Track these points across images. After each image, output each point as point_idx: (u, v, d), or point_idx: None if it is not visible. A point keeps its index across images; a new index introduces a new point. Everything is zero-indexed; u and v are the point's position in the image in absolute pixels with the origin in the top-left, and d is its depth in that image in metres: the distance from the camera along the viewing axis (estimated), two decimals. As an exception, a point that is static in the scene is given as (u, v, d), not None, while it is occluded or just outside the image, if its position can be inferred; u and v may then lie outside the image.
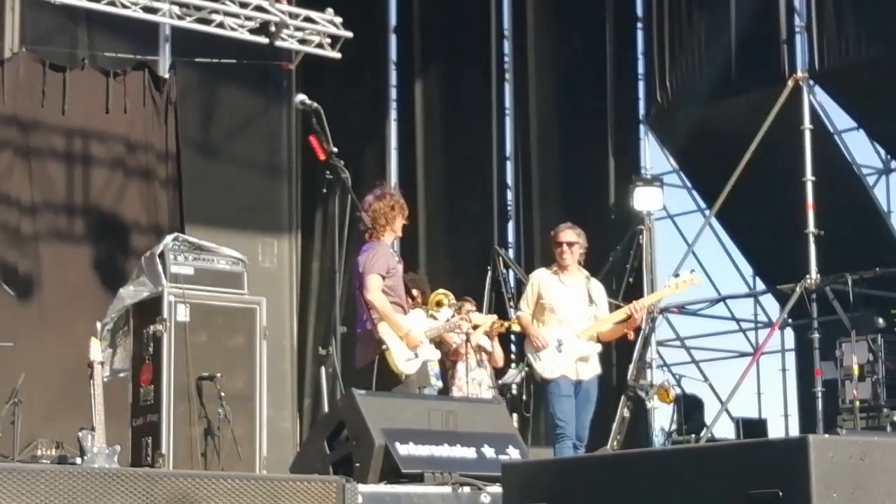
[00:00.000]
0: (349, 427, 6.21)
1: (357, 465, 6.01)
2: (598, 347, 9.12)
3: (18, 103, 12.41)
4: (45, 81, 12.50)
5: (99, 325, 8.91)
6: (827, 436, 4.10)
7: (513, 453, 6.47)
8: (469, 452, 6.31)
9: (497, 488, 5.56)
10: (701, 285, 9.86)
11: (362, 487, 5.25)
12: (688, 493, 3.91)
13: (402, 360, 7.97)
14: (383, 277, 7.98)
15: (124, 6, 11.52)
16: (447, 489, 5.82)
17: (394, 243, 8.38)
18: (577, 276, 9.10)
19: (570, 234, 9.08)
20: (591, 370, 9.03)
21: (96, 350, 8.53)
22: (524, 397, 10.13)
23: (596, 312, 9.10)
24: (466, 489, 5.84)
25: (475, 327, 10.91)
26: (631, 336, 9.79)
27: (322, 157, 7.25)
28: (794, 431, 14.92)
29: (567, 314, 9.00)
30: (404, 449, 6.05)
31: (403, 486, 5.85)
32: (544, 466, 4.92)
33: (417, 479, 5.94)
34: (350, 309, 14.22)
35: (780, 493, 3.62)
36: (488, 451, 6.38)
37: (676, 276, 9.53)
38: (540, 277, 9.14)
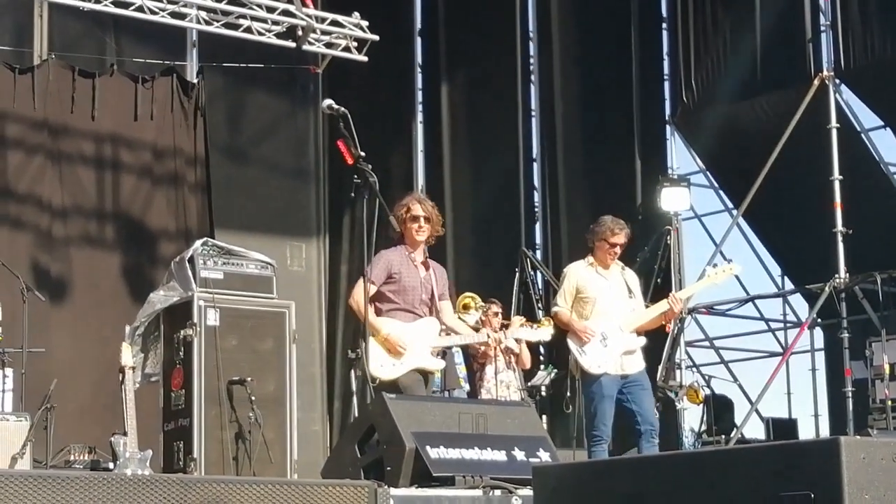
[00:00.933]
0: (380, 431, 6.24)
1: (388, 468, 6.03)
2: (643, 341, 8.92)
3: (49, 109, 12.54)
4: (74, 87, 12.61)
5: (129, 329, 8.97)
6: (858, 437, 4.10)
7: (543, 456, 6.48)
8: (499, 455, 6.32)
9: (528, 491, 5.57)
10: (740, 272, 9.59)
11: (394, 491, 5.28)
12: (719, 496, 3.92)
13: (375, 365, 7.48)
14: (377, 282, 7.74)
15: (152, 12, 11.58)
16: (478, 492, 5.83)
17: (423, 250, 8.00)
18: (613, 268, 8.92)
19: (624, 237, 8.88)
20: (638, 364, 8.83)
21: (127, 355, 8.59)
22: (567, 393, 9.86)
23: (635, 304, 8.96)
24: (497, 492, 5.85)
25: (503, 328, 10.94)
26: (669, 328, 9.56)
27: (350, 161, 7.27)
28: (825, 431, 14.89)
29: (608, 307, 8.79)
30: (435, 452, 6.07)
31: (434, 489, 5.87)
32: (574, 469, 4.94)
33: (448, 482, 5.96)
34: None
35: (812, 496, 3.62)
36: (519, 454, 6.39)
37: (714, 266, 9.37)
38: (577, 271, 8.90)
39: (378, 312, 7.81)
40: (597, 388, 8.62)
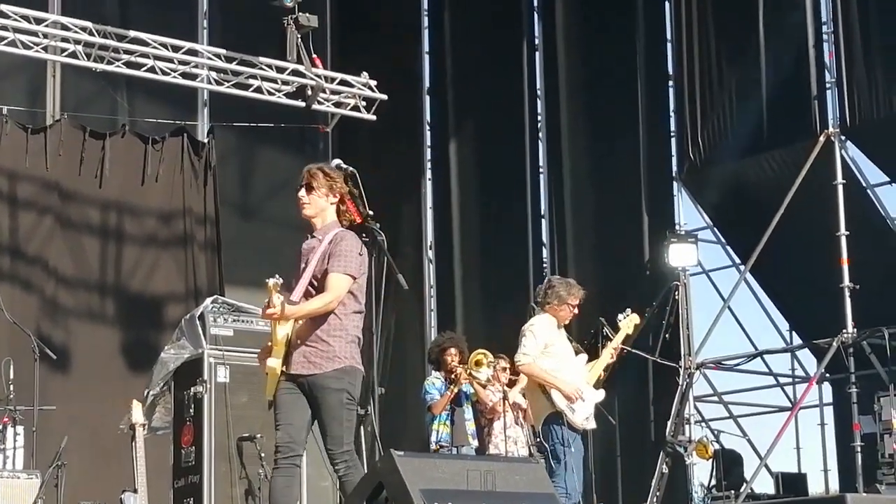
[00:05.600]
0: (388, 488, 6.26)
1: (397, 525, 6.05)
2: (603, 394, 9.34)
3: (60, 170, 12.66)
4: (84, 148, 12.74)
5: (146, 392, 9.05)
6: (865, 494, 4.13)
7: (550, 513, 6.50)
8: (507, 512, 6.34)
9: (535, 548, 5.60)
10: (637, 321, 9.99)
11: (402, 548, 5.30)
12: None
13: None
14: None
15: (163, 72, 11.75)
16: (486, 549, 5.86)
17: (331, 229, 6.91)
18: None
19: (581, 297, 9.27)
20: (593, 420, 9.23)
21: (138, 413, 8.66)
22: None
23: (582, 359, 9.33)
24: (505, 549, 5.87)
25: (511, 384, 10.97)
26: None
27: (358, 219, 7.33)
28: (834, 486, 14.83)
29: (572, 362, 9.15)
30: (443, 509, 6.09)
31: (442, 546, 5.89)
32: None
33: (456, 539, 5.98)
34: (388, 369, 14.28)
35: (816, 552, 3.65)
36: (526, 511, 6.40)
37: (626, 316, 9.81)
38: (547, 326, 9.11)
39: None
40: (577, 444, 8.92)
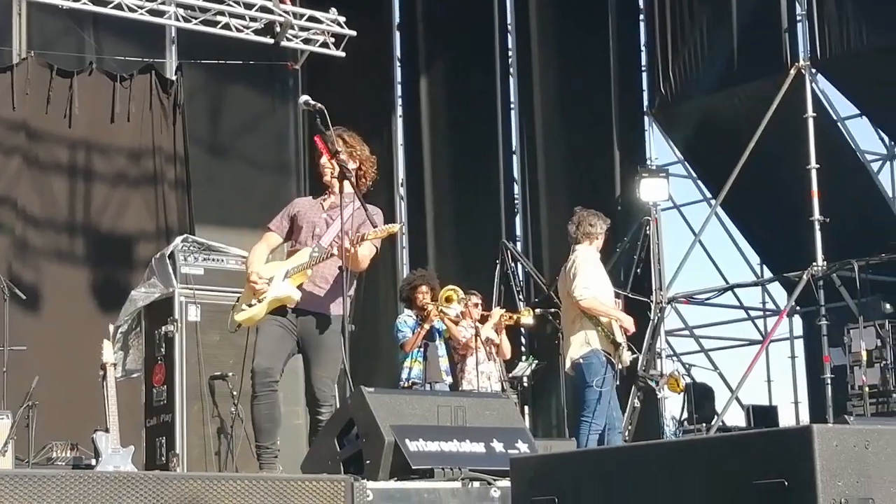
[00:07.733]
0: (359, 424, 6.26)
1: (367, 462, 6.06)
2: None
3: (27, 109, 12.51)
4: (51, 86, 12.58)
5: (112, 327, 9.00)
6: (831, 425, 4.14)
7: (522, 447, 6.51)
8: (478, 447, 6.35)
9: (506, 483, 5.60)
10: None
11: (372, 484, 5.30)
12: (694, 484, 3.95)
13: (238, 310, 7.06)
14: (275, 227, 7.14)
15: (130, 9, 11.61)
16: (457, 484, 5.86)
17: (350, 195, 6.96)
18: None
19: None
20: None
21: (109, 352, 8.62)
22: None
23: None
24: (476, 484, 5.88)
25: (483, 320, 10.99)
26: None
27: (328, 157, 7.27)
28: (805, 418, 14.98)
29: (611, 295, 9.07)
30: (414, 445, 6.09)
31: (413, 482, 5.90)
32: (552, 460, 4.98)
33: (427, 474, 5.99)
34: (359, 306, 14.29)
35: (786, 483, 3.65)
36: (497, 446, 6.41)
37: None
38: (593, 255, 8.92)
39: None
40: (610, 375, 8.81)
